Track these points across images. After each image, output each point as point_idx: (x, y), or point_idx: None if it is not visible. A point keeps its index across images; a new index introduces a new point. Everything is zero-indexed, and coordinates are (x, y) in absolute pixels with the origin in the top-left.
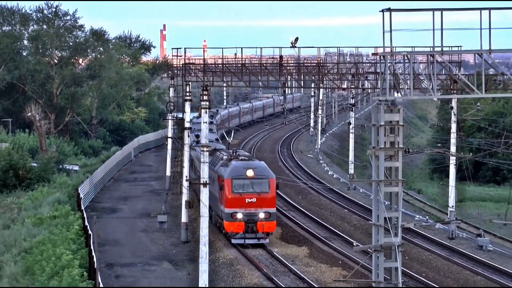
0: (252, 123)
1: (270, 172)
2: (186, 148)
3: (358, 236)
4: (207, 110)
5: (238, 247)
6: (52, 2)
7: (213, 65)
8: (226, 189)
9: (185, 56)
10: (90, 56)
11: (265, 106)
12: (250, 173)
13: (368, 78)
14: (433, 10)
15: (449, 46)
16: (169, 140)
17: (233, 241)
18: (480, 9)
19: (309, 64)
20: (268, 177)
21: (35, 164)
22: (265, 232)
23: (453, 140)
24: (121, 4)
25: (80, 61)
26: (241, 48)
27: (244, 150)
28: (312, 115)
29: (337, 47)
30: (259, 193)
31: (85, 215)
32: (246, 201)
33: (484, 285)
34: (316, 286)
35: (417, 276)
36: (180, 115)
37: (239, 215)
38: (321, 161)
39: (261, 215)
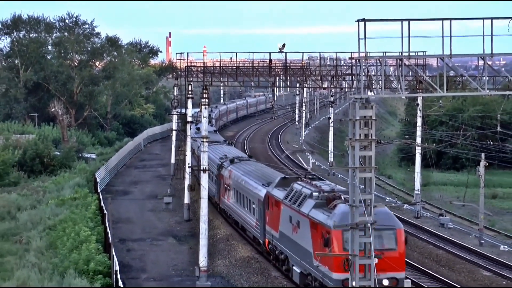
0: (236, 120)
1: (396, 220)
2: (189, 139)
3: None
4: (207, 106)
5: (234, 226)
6: (72, 12)
7: (212, 68)
8: (335, 246)
9: (187, 59)
10: (106, 60)
11: (238, 107)
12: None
13: (346, 79)
14: (402, 20)
15: (415, 51)
16: (174, 132)
17: None
18: (442, 19)
19: (295, 67)
20: (394, 228)
21: (58, 153)
22: None
23: (418, 132)
24: (133, 15)
25: (97, 64)
26: (236, 53)
27: (238, 141)
28: (297, 111)
29: (319, 52)
30: (382, 251)
31: (101, 197)
32: None
33: (445, 258)
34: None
35: None
36: (183, 111)
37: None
38: (304, 151)
39: (385, 282)
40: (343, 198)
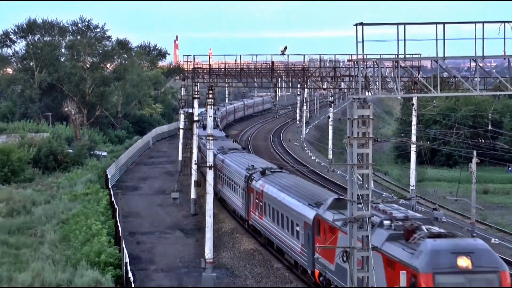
0: (234, 121)
1: (499, 260)
2: (195, 138)
3: None
4: (212, 106)
5: (238, 219)
6: (85, 17)
7: (217, 69)
8: None
9: (194, 61)
10: (116, 62)
11: (236, 109)
12: (463, 262)
13: (344, 80)
14: (397, 24)
15: (410, 54)
16: (181, 131)
17: None
18: (436, 23)
19: (296, 69)
20: (497, 270)
21: (71, 150)
22: None
23: (413, 131)
24: (142, 19)
25: (108, 66)
26: (240, 55)
27: (242, 139)
28: (298, 110)
29: (319, 55)
30: None
31: (111, 192)
32: None
33: None
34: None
35: None
36: (190, 110)
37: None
38: (305, 148)
39: None
40: (425, 230)
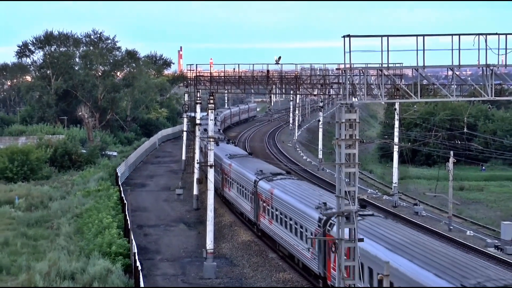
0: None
1: None
2: (197, 139)
3: None
4: (213, 110)
5: (236, 213)
6: (97, 29)
7: (218, 77)
8: None
9: (196, 70)
10: (126, 70)
11: (225, 117)
12: None
13: (333, 87)
14: (381, 36)
15: (393, 63)
16: (184, 133)
17: None
18: (417, 35)
19: (289, 76)
20: None
21: (84, 151)
22: None
23: (396, 133)
24: (149, 31)
25: (118, 74)
26: (238, 64)
27: (240, 141)
28: (291, 114)
29: (310, 64)
30: None
31: (121, 189)
32: None
33: None
34: None
35: None
36: (192, 114)
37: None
38: (297, 149)
39: None
40: None
